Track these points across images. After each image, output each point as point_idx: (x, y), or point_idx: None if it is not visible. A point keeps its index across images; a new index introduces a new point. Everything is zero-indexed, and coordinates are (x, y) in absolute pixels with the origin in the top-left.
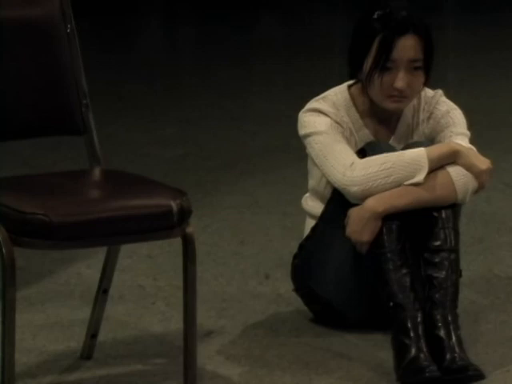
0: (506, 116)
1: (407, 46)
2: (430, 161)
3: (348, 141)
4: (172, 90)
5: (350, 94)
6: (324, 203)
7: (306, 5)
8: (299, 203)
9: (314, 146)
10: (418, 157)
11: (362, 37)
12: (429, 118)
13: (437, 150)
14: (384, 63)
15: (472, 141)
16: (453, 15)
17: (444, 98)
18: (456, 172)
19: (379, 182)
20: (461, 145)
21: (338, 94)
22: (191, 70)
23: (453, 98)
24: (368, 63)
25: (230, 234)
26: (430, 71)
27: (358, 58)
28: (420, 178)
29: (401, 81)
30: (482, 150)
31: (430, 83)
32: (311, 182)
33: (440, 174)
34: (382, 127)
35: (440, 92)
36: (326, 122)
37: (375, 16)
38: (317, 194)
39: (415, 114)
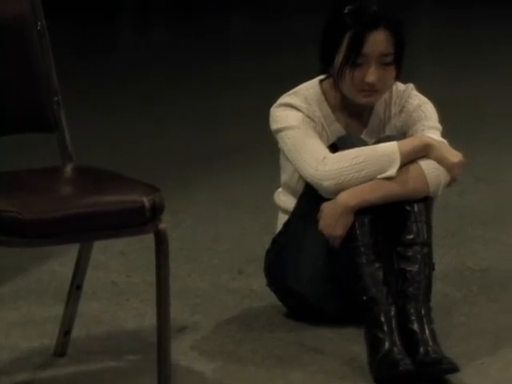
0: (479, 110)
1: (378, 41)
2: (402, 155)
3: (320, 135)
4: (148, 86)
5: (322, 89)
6: (296, 198)
7: (276, 1)
8: (273, 199)
9: (286, 141)
10: (390, 151)
11: (333, 32)
12: (400, 111)
13: (409, 143)
14: (355, 58)
15: (444, 134)
16: (428, 9)
17: (415, 92)
18: (428, 165)
19: (351, 176)
20: (432, 138)
21: (310, 88)
22: (166, 68)
23: (425, 92)
24: (339, 58)
25: (203, 229)
26: (401, 65)
27: (329, 53)
28: (392, 171)
29: (372, 75)
30: (454, 143)
31: (402, 77)
32: (283, 177)
33: (412, 168)
34: (354, 121)
35: (411, 86)
36: (297, 116)
37: (346, 11)
38: (289, 189)
39: (387, 107)
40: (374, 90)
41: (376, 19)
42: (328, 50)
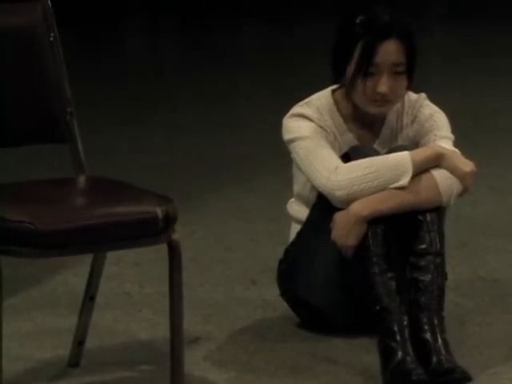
0: (490, 120)
1: (389, 51)
2: (415, 164)
3: (332, 145)
4: (158, 97)
5: (334, 99)
6: (309, 208)
7: (288, 12)
8: (285, 209)
9: (299, 151)
10: (402, 160)
11: (345, 42)
12: (413, 121)
13: (421, 153)
14: (366, 68)
15: (456, 144)
16: (439, 19)
17: (427, 102)
18: (440, 175)
19: (364, 186)
20: (445, 148)
21: (322, 98)
22: (177, 78)
23: (437, 102)
24: (351, 68)
25: (215, 240)
26: (412, 75)
27: (340, 63)
28: (404, 181)
29: (384, 85)
30: (467, 153)
31: (414, 87)
32: (296, 187)
33: (424, 178)
34: (366, 131)
35: (423, 95)
36: (310, 126)
37: (357, 21)
38: (302, 199)
39: (399, 117)
40: (385, 100)
41: (387, 29)
42: (340, 61)
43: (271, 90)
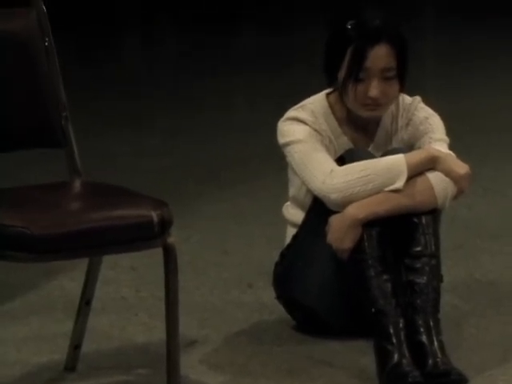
0: (484, 122)
1: (380, 56)
2: (409, 167)
3: (327, 149)
4: (154, 101)
5: (329, 102)
6: (305, 211)
7: (284, 15)
8: (281, 212)
9: (294, 155)
10: (397, 163)
11: (336, 46)
12: (407, 124)
13: (416, 156)
14: (357, 73)
15: (451, 146)
16: (431, 22)
17: (422, 105)
18: (435, 178)
19: (359, 188)
20: (439, 151)
21: (317, 102)
22: (173, 82)
23: (432, 104)
24: (342, 73)
25: (212, 243)
26: (404, 79)
27: (332, 68)
28: (399, 184)
29: (374, 89)
30: (462, 155)
31: (408, 89)
32: (292, 191)
33: (419, 180)
34: (361, 134)
35: (418, 98)
36: (304, 130)
37: (348, 25)
38: (297, 202)
39: (394, 120)
40: (377, 104)
41: (378, 33)
42: (331, 65)
43: (270, 93)
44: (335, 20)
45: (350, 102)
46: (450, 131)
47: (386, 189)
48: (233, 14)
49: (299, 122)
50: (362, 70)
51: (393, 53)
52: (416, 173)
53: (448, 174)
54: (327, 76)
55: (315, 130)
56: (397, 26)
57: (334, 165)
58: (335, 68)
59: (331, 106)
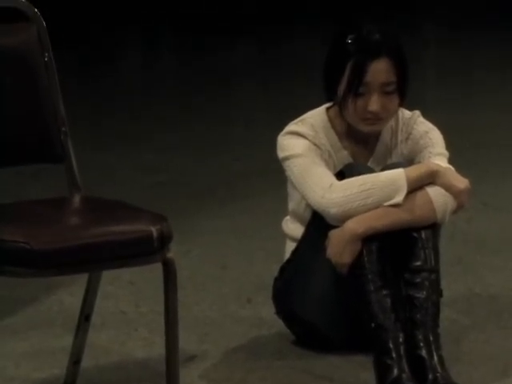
0: (484, 136)
1: (379, 70)
2: (409, 182)
3: (326, 163)
4: (151, 116)
5: (328, 116)
6: (304, 226)
7: (281, 30)
8: (280, 227)
9: (293, 169)
10: (396, 178)
11: (335, 61)
12: (407, 138)
13: (415, 170)
14: (357, 87)
15: (451, 161)
16: (431, 35)
17: (422, 119)
18: (435, 192)
19: (358, 203)
20: (439, 165)
21: (316, 116)
22: (170, 97)
23: (432, 118)
24: (342, 88)
25: (211, 258)
26: (404, 93)
27: (332, 82)
28: (399, 198)
29: (374, 104)
30: (461, 170)
31: (408, 103)
32: (291, 205)
33: (419, 195)
34: (361, 149)
35: (417, 113)
36: (304, 144)
37: (348, 40)
38: (297, 217)
39: (393, 135)
40: (377, 119)
41: (377, 48)
42: (331, 79)
43: (269, 108)
44: (335, 34)
45: (350, 116)
46: (450, 145)
47: (386, 203)
48: (232, 27)
49: (299, 136)
50: (362, 85)
51: (393, 67)
52: (415, 187)
53: (448, 188)
54: (327, 90)
55: (315, 145)
56: (396, 40)
57: (333, 179)
58: (335, 82)
59: (331, 120)
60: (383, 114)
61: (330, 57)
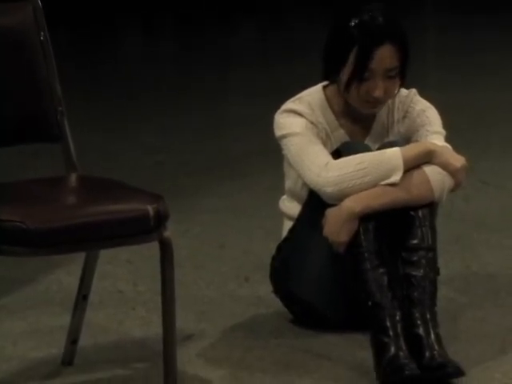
0: (482, 115)
1: (384, 57)
2: (406, 160)
3: (323, 141)
4: (150, 96)
5: (325, 95)
6: (301, 204)
7: (281, 11)
8: (278, 205)
9: (290, 148)
10: (393, 157)
11: (339, 44)
12: (404, 117)
13: (412, 149)
14: (362, 74)
15: (450, 139)
16: (432, 16)
17: (418, 97)
18: (432, 171)
19: (355, 182)
20: (436, 144)
21: (314, 94)
22: (169, 77)
23: (431, 97)
24: (345, 73)
25: (209, 237)
26: (405, 75)
27: (334, 65)
28: (396, 177)
29: (378, 90)
30: (460, 148)
31: (408, 82)
32: (288, 183)
33: (416, 174)
34: (358, 127)
35: (414, 91)
36: (301, 122)
37: (352, 24)
38: (294, 196)
39: (390, 113)
40: (378, 102)
41: (381, 34)
42: (333, 62)
43: (267, 88)
44: (337, 17)
45: (352, 99)
46: (449, 124)
47: (383, 182)
48: (232, 10)
49: (296, 114)
50: (367, 71)
51: (396, 53)
52: (412, 166)
53: (444, 167)
54: (327, 71)
55: (312, 123)
56: (399, 25)
57: (329, 158)
58: (338, 65)
59: (328, 99)
60: (385, 98)
61: (332, 40)
